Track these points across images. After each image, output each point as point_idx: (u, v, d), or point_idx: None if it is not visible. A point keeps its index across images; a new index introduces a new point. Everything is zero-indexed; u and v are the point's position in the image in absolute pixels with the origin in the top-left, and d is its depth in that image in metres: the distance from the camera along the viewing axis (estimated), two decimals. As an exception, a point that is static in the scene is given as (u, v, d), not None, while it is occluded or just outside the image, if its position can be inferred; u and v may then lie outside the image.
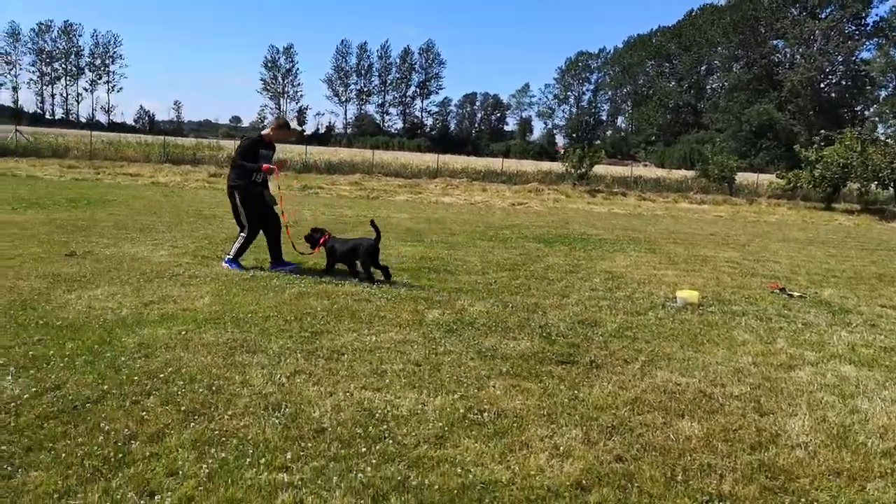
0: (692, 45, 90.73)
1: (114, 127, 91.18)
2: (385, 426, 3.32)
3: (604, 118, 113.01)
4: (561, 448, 3.22)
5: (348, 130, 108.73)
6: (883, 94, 73.17)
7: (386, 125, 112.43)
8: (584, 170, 26.68)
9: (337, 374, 4.02)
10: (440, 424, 3.38)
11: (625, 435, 3.43)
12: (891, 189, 24.20)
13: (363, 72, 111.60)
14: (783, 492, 2.95)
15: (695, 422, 3.64)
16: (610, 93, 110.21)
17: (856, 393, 4.19)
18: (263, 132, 7.35)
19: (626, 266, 8.68)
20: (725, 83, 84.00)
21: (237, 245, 7.07)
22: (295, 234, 7.59)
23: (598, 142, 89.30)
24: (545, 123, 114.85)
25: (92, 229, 9.23)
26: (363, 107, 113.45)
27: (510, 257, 8.91)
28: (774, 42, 77.19)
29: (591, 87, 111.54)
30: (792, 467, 3.16)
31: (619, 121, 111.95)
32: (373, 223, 6.94)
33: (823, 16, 73.04)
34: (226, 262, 7.04)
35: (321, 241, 7.05)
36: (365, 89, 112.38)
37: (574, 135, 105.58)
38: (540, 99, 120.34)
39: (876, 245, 13.86)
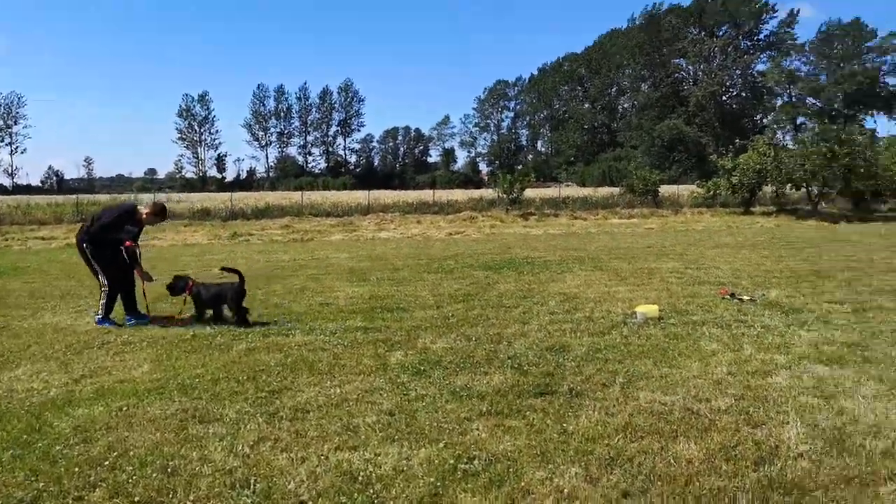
0: (601, 69, 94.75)
1: (19, 190, 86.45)
2: (371, 490, 3.00)
3: (524, 143, 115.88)
4: (565, 490, 2.99)
5: (271, 174, 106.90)
6: (779, 102, 78.38)
7: (309, 166, 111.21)
8: (515, 194, 26.98)
9: (305, 435, 3.66)
10: (431, 480, 3.08)
11: (625, 466, 3.23)
12: (803, 189, 25.61)
13: (282, 114, 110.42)
14: (800, 509, 2.81)
15: (691, 442, 3.49)
16: (528, 118, 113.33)
17: (836, 393, 4.17)
18: (140, 208, 6.97)
19: (578, 286, 8.63)
20: (635, 102, 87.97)
21: (102, 302, 6.71)
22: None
23: (521, 166, 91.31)
24: (468, 152, 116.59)
25: (4, 301, 8.44)
26: (284, 149, 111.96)
27: (461, 288, 8.70)
28: (677, 61, 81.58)
29: (511, 114, 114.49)
30: (802, 480, 3.04)
31: (539, 144, 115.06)
32: (233, 270, 6.74)
33: (720, 34, 77.95)
34: (98, 323, 6.64)
35: (186, 288, 6.70)
36: (285, 131, 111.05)
37: (497, 161, 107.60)
38: (461, 129, 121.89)
39: (802, 243, 14.49)
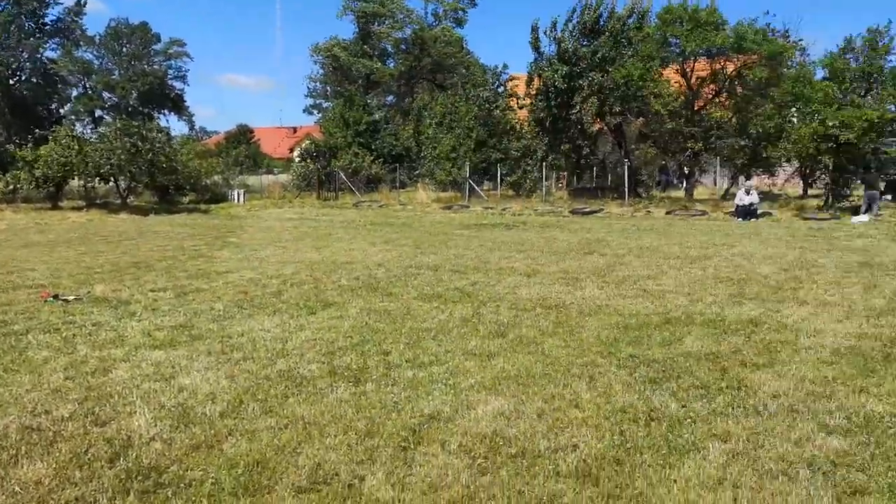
0: None
1: None
2: None
3: None
4: None
5: None
6: (75, 93, 76.09)
7: None
8: None
9: None
10: None
11: (-43, 517, 2.71)
12: (111, 182, 25.88)
13: None
14: (160, 486, 3.01)
15: (36, 461, 3.21)
16: None
17: (175, 373, 4.54)
18: None
19: None
20: None
21: None
22: None
23: None
24: None
25: None
26: None
27: None
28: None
29: None
30: (157, 461, 3.23)
31: None
32: None
33: (0, 9, 69.38)
34: None
35: None
36: None
37: None
38: None
39: (118, 237, 14.71)
